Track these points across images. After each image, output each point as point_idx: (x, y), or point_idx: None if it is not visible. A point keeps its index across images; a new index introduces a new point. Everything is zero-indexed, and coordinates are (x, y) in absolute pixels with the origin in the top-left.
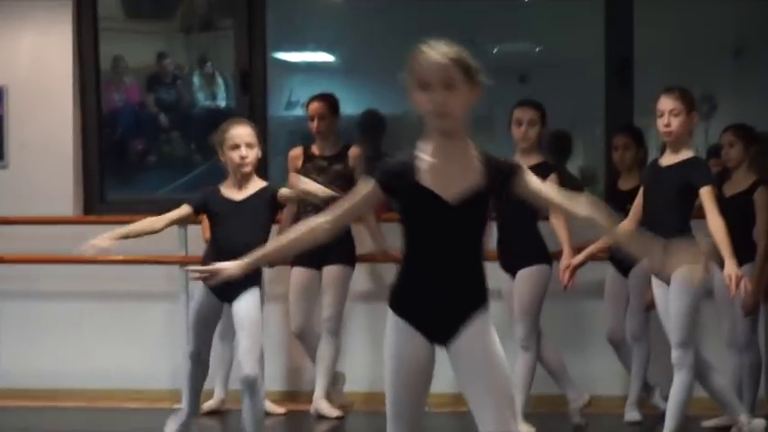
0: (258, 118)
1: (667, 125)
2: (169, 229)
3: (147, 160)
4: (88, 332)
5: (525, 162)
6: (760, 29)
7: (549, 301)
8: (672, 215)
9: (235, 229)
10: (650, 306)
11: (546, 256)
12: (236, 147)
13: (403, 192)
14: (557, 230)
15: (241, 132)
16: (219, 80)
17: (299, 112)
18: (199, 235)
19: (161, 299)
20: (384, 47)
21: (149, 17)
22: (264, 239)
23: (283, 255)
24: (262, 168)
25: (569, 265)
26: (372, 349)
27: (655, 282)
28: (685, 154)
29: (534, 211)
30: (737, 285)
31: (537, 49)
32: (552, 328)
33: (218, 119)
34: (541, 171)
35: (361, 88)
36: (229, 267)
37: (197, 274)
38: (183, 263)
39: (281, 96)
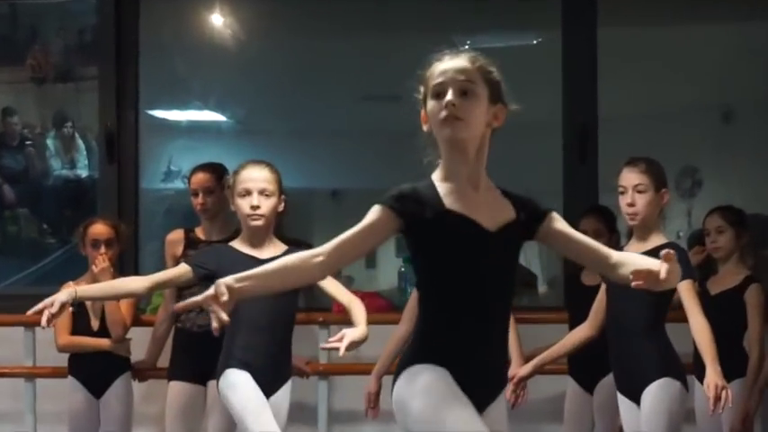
0: (127, 191)
1: (631, 204)
2: (13, 332)
3: None
4: None
5: None
6: (753, 88)
7: None
8: (641, 317)
9: (263, 296)
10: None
11: None
12: (247, 193)
13: (425, 221)
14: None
15: (254, 176)
16: (80, 144)
17: (179, 184)
18: (50, 340)
19: (2, 419)
20: (286, 104)
21: None
22: (293, 315)
23: (269, 284)
24: (131, 255)
25: (514, 377)
26: None
27: (622, 401)
28: (656, 240)
29: None
30: (720, 398)
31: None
32: None
33: (79, 192)
34: None
35: (258, 155)
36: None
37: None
38: (31, 375)
39: (157, 165)
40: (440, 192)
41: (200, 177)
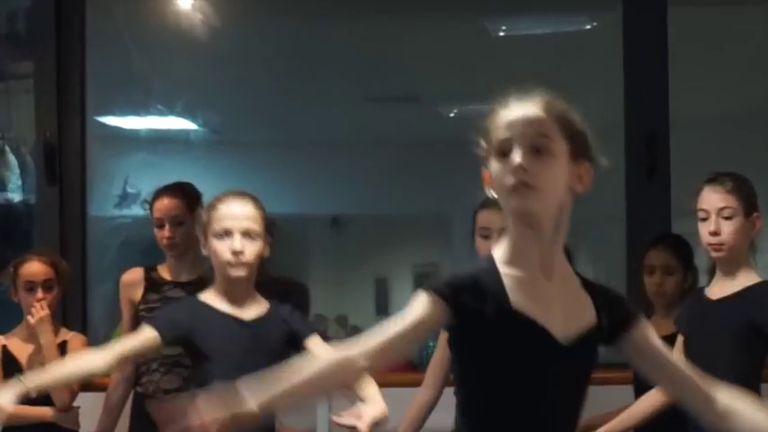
0: (72, 219)
1: (715, 233)
2: None
3: None
4: None
5: None
6: None
7: None
8: (730, 377)
9: (245, 367)
10: None
11: None
12: (227, 234)
13: (484, 321)
14: None
15: (236, 212)
16: (12, 160)
17: (138, 210)
18: None
19: None
20: (272, 109)
21: None
22: None
23: (299, 400)
24: (77, 301)
25: None
26: None
27: None
28: (746, 278)
29: None
30: None
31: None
32: None
33: (10, 221)
34: None
35: (237, 173)
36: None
37: None
38: None
39: (109, 186)
40: (505, 282)
41: (165, 204)
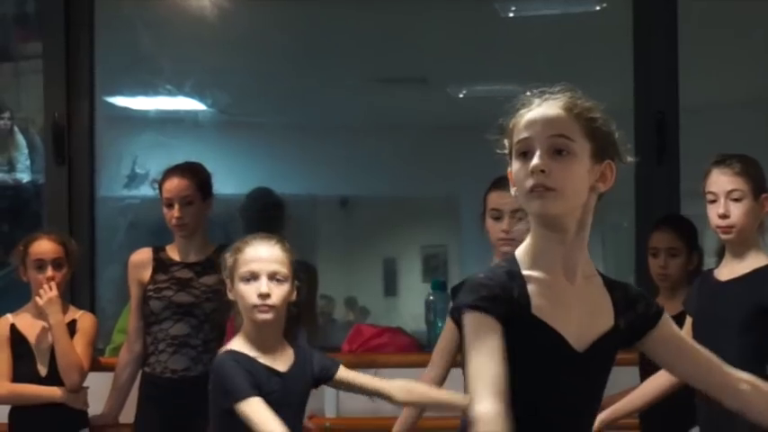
0: (80, 200)
1: (724, 215)
2: None
3: None
4: None
5: None
6: None
7: None
8: (739, 360)
9: (286, 421)
10: None
11: None
12: (253, 277)
13: (511, 322)
14: None
15: (263, 254)
16: (20, 140)
17: (147, 191)
18: None
19: None
20: (282, 89)
21: None
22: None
23: None
24: (85, 281)
25: None
26: None
27: None
28: (755, 260)
29: None
30: None
31: (528, 94)
32: None
33: (19, 201)
34: None
35: (247, 153)
36: None
37: None
38: None
39: (117, 166)
40: (528, 286)
41: (175, 184)
